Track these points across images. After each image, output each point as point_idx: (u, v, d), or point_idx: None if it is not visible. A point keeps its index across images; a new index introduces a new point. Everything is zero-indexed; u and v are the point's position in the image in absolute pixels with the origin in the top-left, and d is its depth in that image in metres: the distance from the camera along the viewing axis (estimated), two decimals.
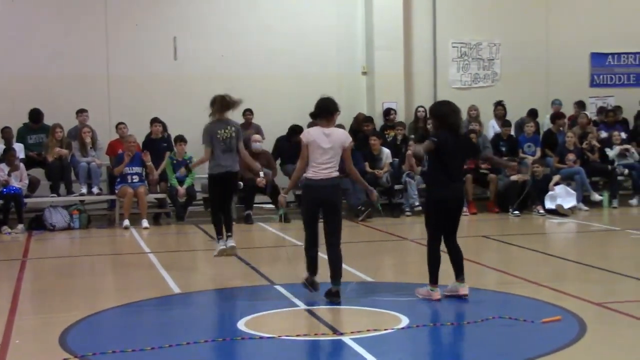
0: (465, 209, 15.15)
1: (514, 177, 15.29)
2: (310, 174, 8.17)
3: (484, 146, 16.22)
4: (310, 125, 14.89)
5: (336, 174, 8.18)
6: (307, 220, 8.27)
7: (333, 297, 8.16)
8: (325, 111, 8.28)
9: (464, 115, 17.15)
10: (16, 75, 15.90)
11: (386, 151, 15.60)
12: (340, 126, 16.26)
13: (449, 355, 6.85)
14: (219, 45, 16.94)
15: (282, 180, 15.16)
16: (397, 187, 15.54)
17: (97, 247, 13.03)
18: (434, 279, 8.25)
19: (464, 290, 8.25)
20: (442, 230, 8.29)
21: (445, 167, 8.18)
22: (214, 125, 9.65)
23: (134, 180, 14.62)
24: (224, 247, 9.88)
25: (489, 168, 15.69)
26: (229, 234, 9.92)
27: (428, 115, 15.97)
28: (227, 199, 9.99)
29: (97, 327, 7.69)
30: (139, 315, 8.12)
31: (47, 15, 16.30)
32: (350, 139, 8.35)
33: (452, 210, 8.29)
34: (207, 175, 13.73)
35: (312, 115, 8.46)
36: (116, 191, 14.68)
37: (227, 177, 9.71)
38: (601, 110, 18.04)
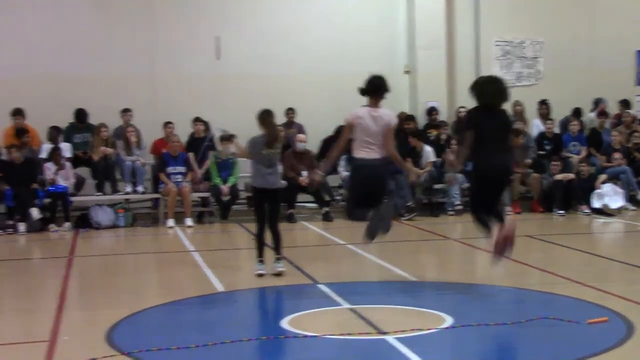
0: (509, 208, 15.09)
1: (558, 177, 15.17)
2: (360, 154, 8.14)
3: (527, 145, 16.11)
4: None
5: (383, 154, 8.19)
6: (356, 197, 8.22)
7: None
8: (378, 90, 8.24)
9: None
10: (62, 75, 16.09)
11: (428, 149, 15.54)
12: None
13: (493, 355, 6.81)
14: (261, 45, 16.99)
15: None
16: (439, 186, 15.47)
17: (142, 245, 13.17)
18: (487, 231, 8.39)
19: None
20: (483, 204, 8.31)
21: (483, 142, 8.21)
22: (260, 140, 9.46)
23: (178, 180, 14.74)
24: (263, 272, 9.55)
25: (532, 167, 15.61)
26: (278, 255, 9.63)
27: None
28: (273, 217, 9.61)
29: (142, 324, 7.76)
30: (183, 313, 8.18)
31: (92, 15, 16.49)
32: (395, 120, 8.36)
33: (495, 181, 8.28)
34: (250, 174, 13.77)
35: (362, 91, 8.39)
36: (160, 190, 14.81)
37: (269, 192, 9.52)
38: None
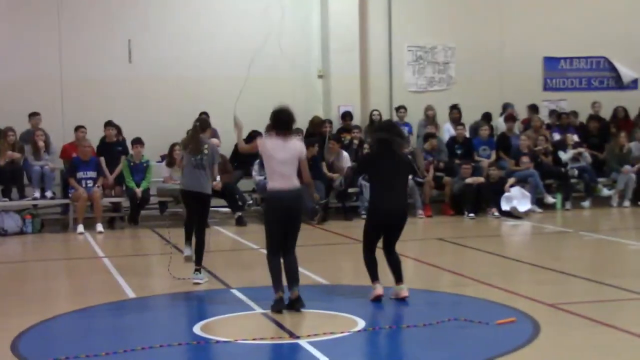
0: (421, 211, 15.30)
1: (469, 180, 15.44)
2: (273, 184, 8.14)
3: (440, 149, 16.36)
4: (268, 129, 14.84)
5: (298, 183, 8.19)
6: (272, 229, 8.16)
7: (296, 304, 8.01)
8: (285, 124, 8.24)
9: (420, 116, 17.34)
10: None
11: (345, 154, 15.63)
12: (298, 130, 16.31)
13: (405, 357, 6.89)
14: (173, 48, 16.76)
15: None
16: (352, 190, 15.57)
17: (51, 252, 12.88)
18: (373, 277, 8.37)
19: (404, 292, 8.31)
20: (374, 241, 8.40)
21: (380, 183, 8.33)
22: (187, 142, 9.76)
23: (89, 185, 14.49)
24: (190, 254, 9.69)
25: (443, 170, 15.86)
26: (198, 266, 9.48)
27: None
28: (200, 222, 9.61)
29: (50, 332, 7.62)
30: (94, 320, 8.05)
31: None
32: (305, 149, 8.37)
33: (388, 224, 8.35)
34: (162, 179, 13.66)
35: (270, 127, 8.46)
36: (70, 195, 14.52)
37: (198, 196, 9.56)
38: (552, 113, 18.28)
